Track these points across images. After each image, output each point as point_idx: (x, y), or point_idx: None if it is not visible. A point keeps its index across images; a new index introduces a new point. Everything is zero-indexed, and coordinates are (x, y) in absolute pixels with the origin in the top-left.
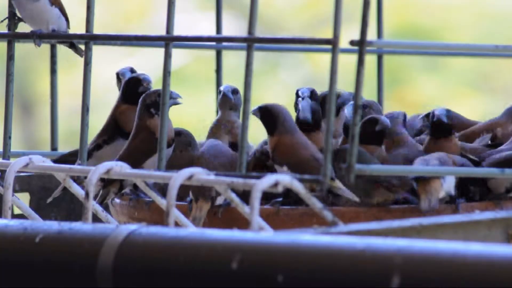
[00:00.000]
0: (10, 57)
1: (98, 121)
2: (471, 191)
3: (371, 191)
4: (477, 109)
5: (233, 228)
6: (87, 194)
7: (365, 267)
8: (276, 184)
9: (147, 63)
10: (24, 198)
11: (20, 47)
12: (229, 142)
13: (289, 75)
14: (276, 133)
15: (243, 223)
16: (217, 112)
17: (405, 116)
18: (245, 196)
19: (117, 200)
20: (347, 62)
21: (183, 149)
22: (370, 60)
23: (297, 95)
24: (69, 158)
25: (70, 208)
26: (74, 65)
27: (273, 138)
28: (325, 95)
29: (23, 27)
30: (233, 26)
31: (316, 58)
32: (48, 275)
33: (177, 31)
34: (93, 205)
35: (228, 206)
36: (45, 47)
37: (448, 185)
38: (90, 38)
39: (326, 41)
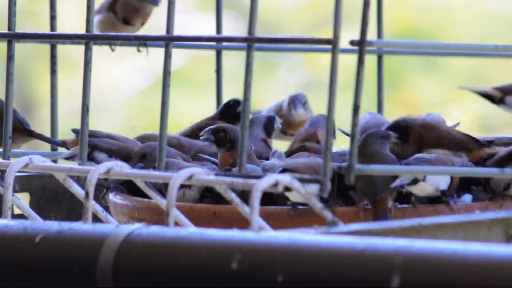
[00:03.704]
0: (10, 57)
1: (98, 122)
2: (473, 190)
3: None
4: (476, 110)
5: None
6: (87, 194)
7: (365, 267)
8: (276, 184)
9: (147, 63)
10: (24, 198)
11: (20, 48)
12: None
13: (288, 76)
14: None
15: (243, 223)
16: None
17: None
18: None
19: (117, 200)
20: (347, 62)
21: None
22: (370, 60)
23: None
24: None
25: (70, 208)
26: (74, 65)
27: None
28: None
29: (23, 27)
30: (233, 27)
31: (316, 60)
32: (48, 275)
33: (177, 31)
34: (93, 205)
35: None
36: (45, 47)
37: (432, 184)
38: (90, 38)
39: (326, 41)
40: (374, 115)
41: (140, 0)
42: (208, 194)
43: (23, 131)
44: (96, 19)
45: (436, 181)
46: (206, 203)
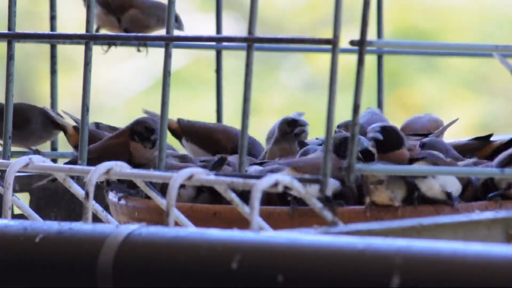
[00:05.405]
0: (10, 57)
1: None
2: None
3: None
4: (476, 111)
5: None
6: (87, 194)
7: (365, 267)
8: (276, 184)
9: (147, 63)
10: (24, 198)
11: (21, 48)
12: None
13: (289, 77)
14: None
15: (243, 223)
16: (217, 112)
17: None
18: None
19: (117, 200)
20: (347, 62)
21: None
22: (370, 60)
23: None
24: None
25: (70, 208)
26: (74, 65)
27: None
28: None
29: (23, 27)
30: (233, 28)
31: (316, 61)
32: (48, 275)
33: (177, 32)
34: (93, 205)
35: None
36: (45, 48)
37: (440, 182)
38: (90, 38)
39: (326, 41)
40: (374, 112)
41: (156, 25)
42: (205, 188)
43: None
44: (96, 11)
45: (444, 180)
46: (204, 199)
